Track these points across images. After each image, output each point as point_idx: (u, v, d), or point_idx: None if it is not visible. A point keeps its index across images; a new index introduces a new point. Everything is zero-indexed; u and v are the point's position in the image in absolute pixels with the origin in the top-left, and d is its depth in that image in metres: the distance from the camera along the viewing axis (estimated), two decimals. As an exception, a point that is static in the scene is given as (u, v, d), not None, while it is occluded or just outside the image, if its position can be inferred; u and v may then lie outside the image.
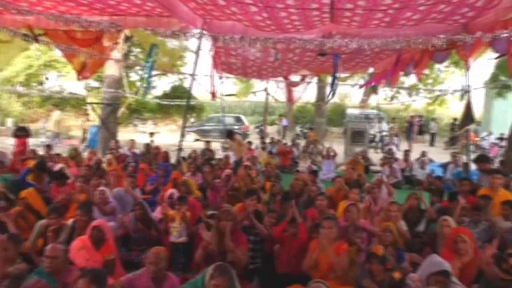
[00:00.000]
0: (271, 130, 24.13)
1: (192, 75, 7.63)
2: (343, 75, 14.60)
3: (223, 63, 9.93)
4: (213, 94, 10.00)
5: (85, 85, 16.50)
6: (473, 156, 7.72)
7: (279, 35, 6.51)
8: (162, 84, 27.14)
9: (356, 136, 13.39)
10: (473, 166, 6.86)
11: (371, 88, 13.48)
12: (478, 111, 21.51)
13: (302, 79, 13.08)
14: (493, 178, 5.27)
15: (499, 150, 15.48)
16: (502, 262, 3.75)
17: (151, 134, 15.99)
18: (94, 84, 21.29)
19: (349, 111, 21.80)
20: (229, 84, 21.71)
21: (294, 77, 12.88)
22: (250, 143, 12.50)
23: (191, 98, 11.56)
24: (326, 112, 21.08)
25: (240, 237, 3.95)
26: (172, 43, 10.06)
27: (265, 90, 14.51)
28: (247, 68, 10.63)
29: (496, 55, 6.34)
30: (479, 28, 5.69)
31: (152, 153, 9.60)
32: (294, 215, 4.50)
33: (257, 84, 17.54)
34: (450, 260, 3.44)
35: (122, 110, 16.11)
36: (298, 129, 23.46)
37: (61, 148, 12.51)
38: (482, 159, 6.34)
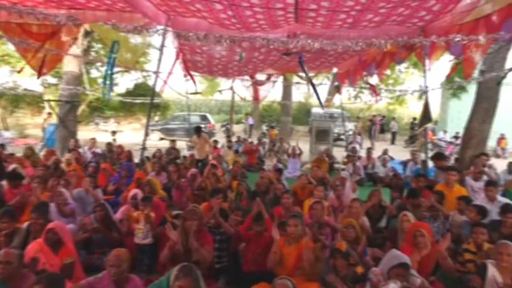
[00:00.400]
0: (237, 128, 24.13)
1: (156, 72, 7.46)
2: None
3: (188, 60, 9.78)
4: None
5: (42, 81, 15.65)
6: (430, 154, 8.05)
7: (244, 33, 6.48)
8: (125, 81, 26.34)
9: (321, 134, 13.65)
10: (430, 164, 7.15)
11: (335, 87, 13.76)
12: (435, 111, 22.63)
13: (268, 78, 13.14)
14: (448, 174, 5.53)
15: (454, 148, 16.29)
16: (458, 256, 3.98)
17: (113, 132, 15.57)
18: (52, 80, 20.32)
19: (314, 110, 22.17)
20: (194, 82, 21.39)
21: (260, 76, 12.91)
22: (216, 141, 12.43)
23: (156, 95, 11.31)
24: (292, 111, 21.33)
25: (205, 237, 3.91)
26: (135, 39, 9.77)
27: (231, 88, 14.47)
28: (213, 67, 10.53)
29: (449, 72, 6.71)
30: (436, 31, 5.96)
31: (114, 153, 9.32)
32: (260, 213, 4.44)
33: (223, 83, 17.45)
34: (410, 254, 3.56)
35: (82, 107, 15.46)
36: (264, 127, 23.58)
37: (14, 148, 11.86)
38: (439, 157, 6.62)
